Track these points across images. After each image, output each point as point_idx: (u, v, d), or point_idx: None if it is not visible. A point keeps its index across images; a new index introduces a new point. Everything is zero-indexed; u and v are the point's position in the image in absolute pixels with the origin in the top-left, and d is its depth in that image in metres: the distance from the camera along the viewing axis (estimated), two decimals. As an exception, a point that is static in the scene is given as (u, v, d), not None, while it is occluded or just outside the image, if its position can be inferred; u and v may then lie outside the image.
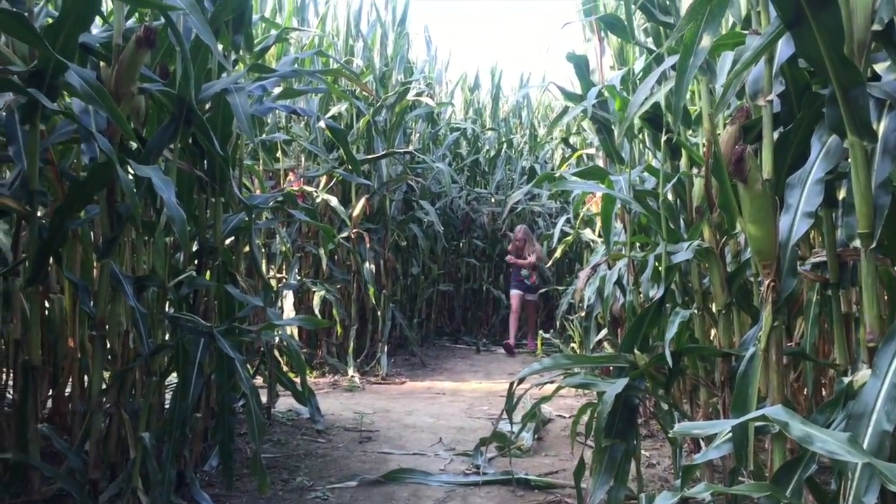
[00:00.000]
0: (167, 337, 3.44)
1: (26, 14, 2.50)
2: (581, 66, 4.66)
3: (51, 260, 2.99)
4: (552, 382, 3.23)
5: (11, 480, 2.86)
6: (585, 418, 3.22)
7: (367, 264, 7.30)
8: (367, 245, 7.39)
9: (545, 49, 11.50)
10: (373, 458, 4.29)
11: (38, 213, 2.86)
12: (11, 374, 3.41)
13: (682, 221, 3.46)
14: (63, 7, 2.56)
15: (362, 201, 7.36)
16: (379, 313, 7.64)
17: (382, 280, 7.71)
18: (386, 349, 7.50)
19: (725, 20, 3.46)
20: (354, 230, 7.28)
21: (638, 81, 3.52)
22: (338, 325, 7.23)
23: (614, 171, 4.23)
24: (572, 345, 7.65)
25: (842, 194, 2.30)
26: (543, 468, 4.09)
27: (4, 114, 2.87)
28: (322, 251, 6.66)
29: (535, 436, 4.69)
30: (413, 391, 6.69)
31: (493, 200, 10.77)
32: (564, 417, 5.40)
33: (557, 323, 8.70)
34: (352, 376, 6.92)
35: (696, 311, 3.29)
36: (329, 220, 7.25)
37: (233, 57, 3.83)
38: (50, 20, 2.80)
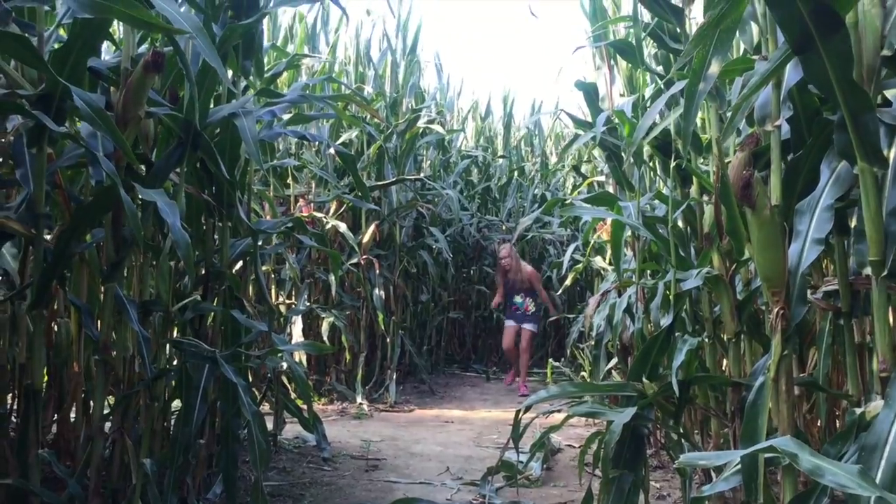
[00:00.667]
0: (174, 362, 3.42)
1: (35, 38, 2.51)
2: (590, 93, 4.66)
3: (55, 283, 2.98)
4: (560, 412, 3.18)
5: (12, 506, 2.82)
6: (594, 448, 3.17)
7: (376, 291, 7.28)
8: (377, 271, 7.37)
9: (555, 75, 11.48)
10: (378, 486, 4.24)
11: (46, 237, 2.86)
12: (16, 399, 3.40)
13: (692, 249, 3.43)
14: (71, 32, 2.57)
15: (372, 228, 7.35)
16: (388, 340, 7.61)
17: (392, 307, 7.68)
18: (395, 376, 7.46)
19: (737, 46, 3.45)
20: (364, 256, 7.26)
21: (648, 107, 3.50)
22: (346, 352, 7.19)
23: (624, 198, 4.21)
24: (582, 373, 7.57)
25: (854, 222, 2.26)
26: (552, 499, 4.03)
27: (13, 138, 2.88)
28: (332, 277, 6.64)
29: (544, 465, 4.63)
30: (422, 419, 6.63)
31: (504, 228, 10.74)
32: (574, 447, 5.32)
33: (568, 351, 8.63)
34: (360, 403, 6.87)
35: (706, 340, 3.24)
36: (339, 247, 7.24)
37: (243, 83, 3.84)
38: (59, 45, 2.81)
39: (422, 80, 8.85)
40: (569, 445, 5.37)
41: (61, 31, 3.11)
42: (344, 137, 7.37)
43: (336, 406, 6.88)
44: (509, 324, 8.61)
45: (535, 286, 8.56)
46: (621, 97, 4.88)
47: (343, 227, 6.84)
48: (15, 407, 3.43)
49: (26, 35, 2.32)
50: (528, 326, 8.54)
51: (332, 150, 6.82)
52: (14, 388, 3.37)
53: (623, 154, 4.09)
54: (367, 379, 7.36)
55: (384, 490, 4.16)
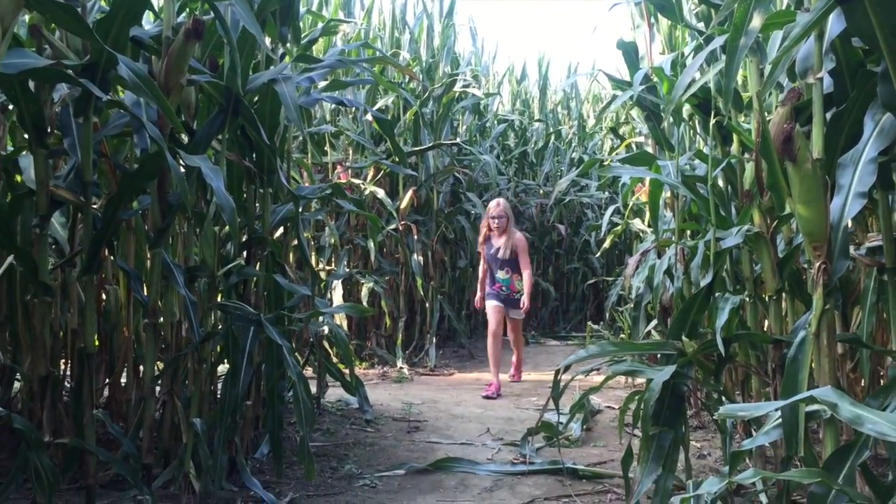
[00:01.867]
0: (220, 326, 3.50)
1: (79, 8, 2.56)
2: (630, 52, 4.60)
3: (105, 250, 3.07)
4: (599, 372, 3.20)
5: (69, 465, 2.94)
6: (633, 407, 3.18)
7: (414, 256, 7.32)
8: (415, 237, 7.41)
9: (591, 31, 11.29)
10: (420, 447, 4.31)
11: (94, 205, 2.93)
12: (69, 363, 3.52)
13: (732, 208, 3.40)
14: (113, 2, 2.62)
15: (409, 193, 7.38)
16: (427, 305, 7.67)
17: (430, 272, 7.73)
18: (434, 341, 7.52)
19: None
20: (402, 222, 7.30)
21: (687, 64, 3.46)
22: (386, 317, 7.27)
23: (664, 158, 4.18)
24: (622, 336, 7.57)
25: (898, 176, 2.23)
26: (592, 458, 4.06)
27: (59, 108, 2.95)
28: (370, 243, 6.70)
29: (584, 426, 4.66)
30: (461, 382, 6.70)
31: (541, 192, 10.70)
32: (614, 408, 5.34)
33: (607, 314, 8.61)
34: (400, 367, 6.95)
35: (747, 299, 3.23)
36: (377, 213, 7.29)
37: (280, 50, 3.87)
38: (101, 15, 2.86)
39: (457, 45, 8.80)
40: (608, 407, 5.39)
41: (102, 3, 3.17)
42: (380, 103, 7.37)
43: (377, 370, 6.98)
44: (493, 303, 6.52)
45: (522, 259, 6.44)
46: (661, 56, 4.82)
47: (381, 192, 6.88)
48: (68, 371, 3.55)
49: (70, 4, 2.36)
50: (515, 315, 6.54)
51: (368, 116, 6.85)
52: (67, 353, 3.48)
53: (662, 113, 4.04)
54: (406, 343, 7.43)
55: (426, 450, 4.23)
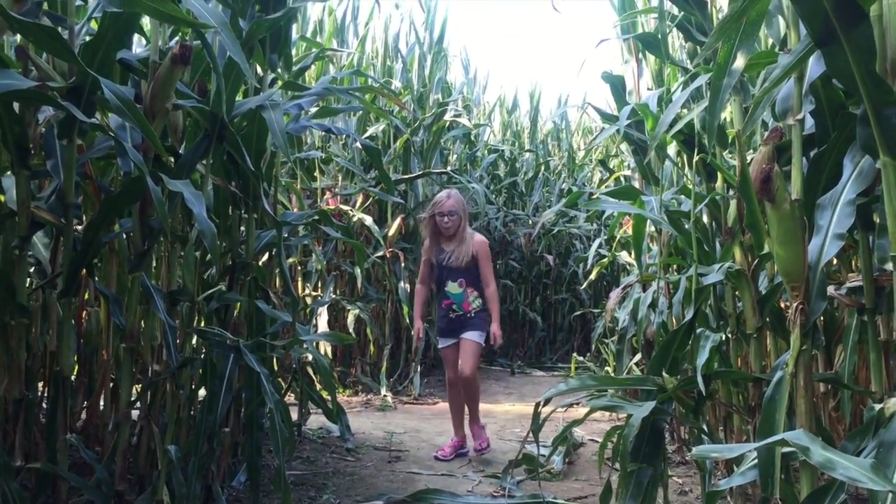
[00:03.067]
0: (200, 351, 3.47)
1: (66, 32, 2.56)
2: (617, 86, 4.63)
3: (84, 272, 3.04)
4: (581, 405, 3.18)
5: (40, 491, 2.89)
6: (614, 441, 3.17)
7: (401, 283, 7.31)
8: (402, 264, 7.40)
9: (579, 67, 11.36)
10: (401, 477, 4.27)
11: (75, 227, 2.91)
12: (47, 386, 3.47)
13: (717, 244, 3.41)
14: (101, 25, 2.62)
15: (398, 221, 7.39)
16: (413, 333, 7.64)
17: (417, 300, 7.70)
18: (419, 369, 7.49)
19: (765, 39, 3.42)
20: (389, 249, 7.30)
21: (673, 100, 3.48)
22: (371, 344, 7.23)
23: (650, 193, 4.19)
24: (607, 368, 7.56)
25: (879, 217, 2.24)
26: (573, 492, 4.03)
27: (44, 129, 2.94)
28: (357, 270, 6.68)
29: (566, 460, 4.63)
30: (445, 412, 6.61)
31: (530, 222, 10.72)
32: (597, 441, 5.31)
33: (593, 346, 8.60)
34: (384, 395, 6.91)
35: (729, 335, 3.23)
36: (365, 239, 7.28)
37: (271, 76, 3.88)
38: (90, 37, 2.86)
39: (448, 74, 8.86)
40: (591, 440, 5.36)
41: (93, 25, 3.17)
42: (371, 131, 7.40)
43: (361, 398, 6.93)
44: (445, 343, 5.03)
45: (485, 268, 5.00)
46: (649, 91, 4.85)
47: (369, 219, 6.88)
48: (45, 394, 3.50)
49: (57, 28, 2.36)
50: (470, 336, 4.88)
51: (358, 144, 6.87)
52: (44, 375, 3.44)
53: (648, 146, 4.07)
54: (391, 371, 7.40)
55: (406, 481, 4.19)
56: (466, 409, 5.01)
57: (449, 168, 8.60)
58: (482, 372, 9.32)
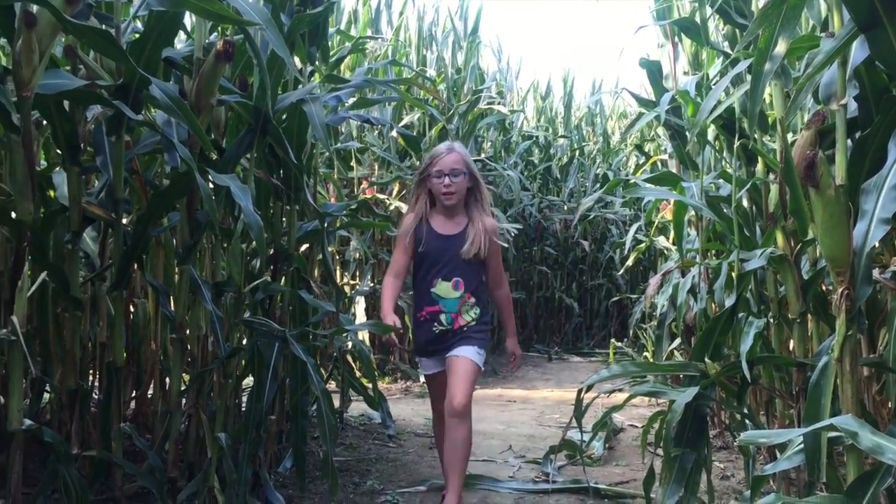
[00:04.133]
0: (245, 341, 3.54)
1: (113, 31, 2.63)
2: (654, 71, 4.61)
3: (134, 266, 3.12)
4: (622, 391, 3.20)
5: (96, 477, 2.99)
6: (656, 427, 3.18)
7: (438, 271, 7.34)
8: (439, 252, 7.42)
9: (618, 54, 11.31)
10: (442, 463, 4.32)
11: (123, 221, 2.99)
12: (97, 376, 3.57)
13: (757, 228, 3.39)
14: (147, 24, 2.68)
15: (434, 209, 7.42)
16: (450, 320, 7.67)
17: (454, 287, 7.74)
18: (457, 356, 7.52)
19: (805, 21, 3.38)
20: (426, 238, 7.33)
21: (712, 86, 3.47)
22: (409, 332, 7.28)
23: (688, 178, 4.18)
24: (645, 354, 7.54)
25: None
26: (614, 477, 4.05)
27: (93, 126, 3.02)
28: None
29: (606, 445, 4.65)
30: (484, 398, 6.70)
31: (565, 208, 10.70)
32: (636, 427, 5.32)
33: (631, 332, 8.58)
34: (423, 383, 6.95)
35: (771, 320, 3.21)
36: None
37: (309, 68, 3.92)
38: (136, 35, 2.92)
39: (482, 62, 8.85)
40: (631, 425, 5.37)
41: (137, 22, 3.24)
42: (406, 120, 7.43)
43: (400, 385, 7.00)
44: (430, 369, 3.57)
45: (494, 266, 3.54)
46: (685, 75, 4.82)
47: (405, 208, 6.92)
48: (96, 384, 3.60)
49: (108, 29, 2.43)
50: (463, 352, 3.40)
51: (394, 133, 6.91)
52: (95, 366, 3.54)
53: (687, 134, 4.05)
54: (430, 358, 7.44)
55: (448, 467, 4.23)
56: (446, 462, 3.38)
57: (483, 155, 8.61)
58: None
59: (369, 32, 7.32)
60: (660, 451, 3.03)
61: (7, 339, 2.21)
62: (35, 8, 2.14)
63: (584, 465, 3.86)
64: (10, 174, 2.36)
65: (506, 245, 3.61)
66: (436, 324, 3.42)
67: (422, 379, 6.99)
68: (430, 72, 7.72)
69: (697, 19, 3.52)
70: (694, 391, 2.52)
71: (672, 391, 2.67)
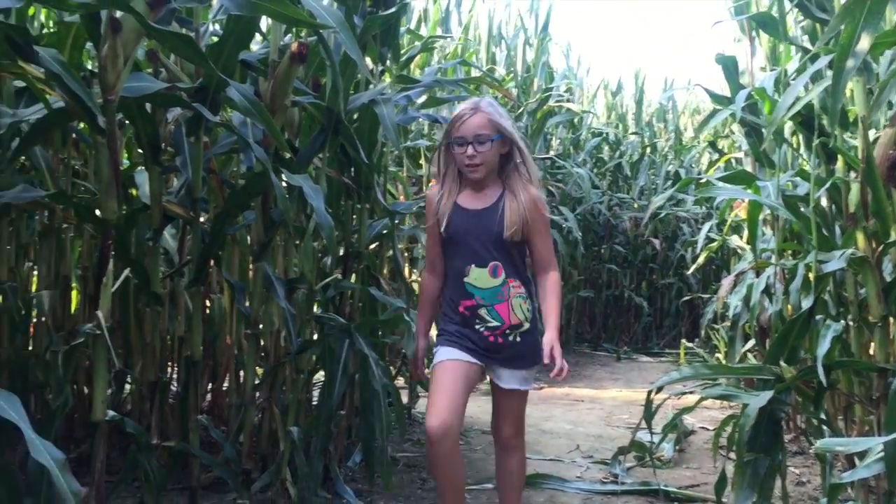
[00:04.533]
0: (315, 336, 3.61)
1: (193, 34, 2.71)
2: (730, 67, 4.51)
3: (211, 262, 3.21)
4: (693, 393, 3.16)
5: (173, 467, 3.09)
6: (729, 431, 3.13)
7: (506, 269, 7.33)
8: (507, 250, 7.42)
9: (691, 51, 11.13)
10: (510, 461, 4.32)
11: (201, 219, 3.08)
12: (175, 368, 3.69)
13: (837, 229, 3.30)
14: (225, 27, 2.76)
15: (502, 206, 7.42)
16: (518, 318, 7.66)
17: (522, 285, 7.72)
18: (524, 354, 7.50)
19: (888, 14, 3.27)
20: (495, 236, 7.33)
21: (790, 83, 3.38)
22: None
23: (763, 176, 4.08)
24: (717, 355, 7.40)
25: None
26: (684, 480, 4.00)
27: (173, 127, 3.12)
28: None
29: (676, 447, 4.58)
30: (551, 397, 6.67)
31: (635, 206, 10.56)
32: (708, 429, 5.23)
33: (702, 332, 8.42)
34: (490, 380, 6.96)
35: (850, 323, 3.12)
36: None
37: (380, 68, 3.97)
38: (214, 38, 3.01)
39: (551, 60, 8.80)
40: (702, 427, 5.28)
41: (215, 26, 3.33)
42: (475, 118, 7.44)
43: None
44: (450, 354, 2.71)
45: (543, 240, 2.73)
46: (762, 71, 4.71)
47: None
48: (174, 376, 3.72)
49: (189, 34, 2.50)
50: (514, 381, 2.83)
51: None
52: (174, 359, 3.66)
53: (763, 131, 3.96)
54: (497, 356, 7.44)
55: (515, 465, 4.23)
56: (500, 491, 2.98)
57: (552, 153, 8.57)
58: (587, 357, 9.27)
59: (439, 31, 7.35)
60: (732, 455, 2.98)
61: (92, 332, 2.30)
62: (119, 14, 2.22)
63: (653, 467, 3.81)
64: (96, 174, 2.45)
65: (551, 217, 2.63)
66: (478, 322, 2.66)
67: (488, 376, 7.00)
68: (500, 70, 7.71)
69: (776, 14, 3.43)
70: (768, 395, 2.48)
71: (745, 395, 2.63)
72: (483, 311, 2.66)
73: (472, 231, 2.66)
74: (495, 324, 2.67)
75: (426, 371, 2.98)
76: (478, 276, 2.66)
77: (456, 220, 2.68)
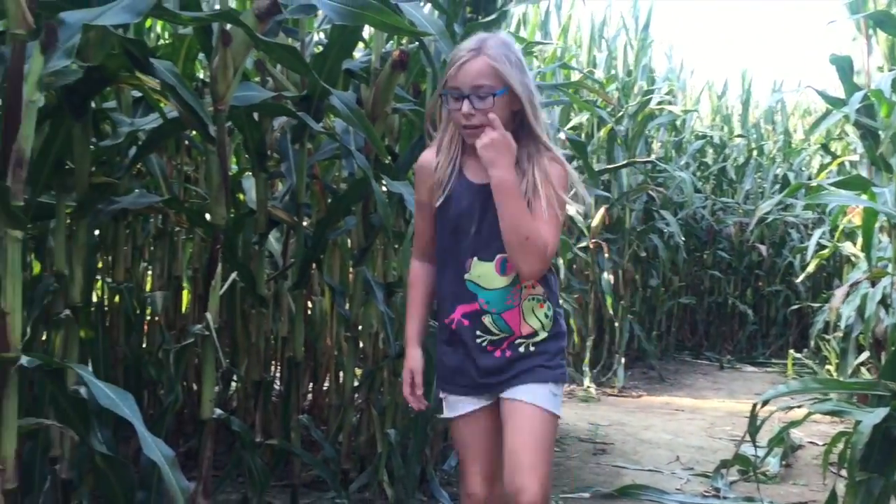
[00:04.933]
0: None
1: (298, 45, 2.79)
2: (844, 67, 4.32)
3: (313, 266, 3.30)
4: (801, 407, 3.04)
5: (276, 465, 3.18)
6: (840, 447, 2.99)
7: (605, 275, 7.25)
8: (606, 255, 7.33)
9: (800, 52, 10.72)
10: (606, 470, 4.26)
11: (304, 224, 3.17)
12: (278, 368, 3.80)
13: (959, 237, 3.12)
14: (330, 38, 2.83)
15: (601, 211, 7.32)
16: (616, 324, 7.54)
17: (620, 291, 7.61)
18: (623, 361, 7.39)
19: None
20: (593, 240, 7.25)
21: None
22: (574, 335, 7.23)
23: (880, 181, 3.89)
24: (828, 367, 7.09)
25: None
26: (791, 497, 3.85)
27: (278, 135, 3.22)
28: (560, 261, 6.70)
29: (783, 462, 4.41)
30: (650, 405, 6.54)
31: (740, 211, 10.23)
32: (817, 445, 5.01)
33: (812, 342, 8.08)
34: (587, 387, 6.90)
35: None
36: (568, 230, 7.28)
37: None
38: (319, 47, 3.09)
39: (653, 63, 8.63)
40: (811, 442, 5.07)
41: (322, 35, 3.41)
42: (574, 121, 7.38)
43: (564, 388, 6.95)
44: (465, 407, 2.10)
45: (550, 223, 1.97)
46: (879, 71, 4.50)
47: (572, 210, 6.86)
48: (277, 376, 3.83)
49: (291, 43, 2.58)
50: (532, 393, 2.00)
51: (562, 136, 6.87)
52: (277, 359, 3.77)
53: (881, 134, 3.77)
54: (594, 363, 7.36)
55: (612, 474, 4.17)
56: None
57: (653, 156, 8.40)
58: (687, 366, 9.05)
59: (538, 34, 7.32)
60: (843, 473, 2.85)
61: (202, 333, 2.39)
62: (230, 26, 2.31)
63: (758, 482, 3.68)
64: (206, 180, 2.55)
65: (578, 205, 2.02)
66: (479, 333, 2.02)
67: (586, 383, 6.96)
68: (599, 73, 7.61)
69: (895, 12, 3.27)
70: (883, 412, 2.36)
71: (858, 411, 2.51)
72: (487, 320, 2.01)
73: (474, 212, 2.00)
74: (501, 336, 2.02)
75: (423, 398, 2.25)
76: (481, 273, 2.00)
77: (459, 196, 2.01)
